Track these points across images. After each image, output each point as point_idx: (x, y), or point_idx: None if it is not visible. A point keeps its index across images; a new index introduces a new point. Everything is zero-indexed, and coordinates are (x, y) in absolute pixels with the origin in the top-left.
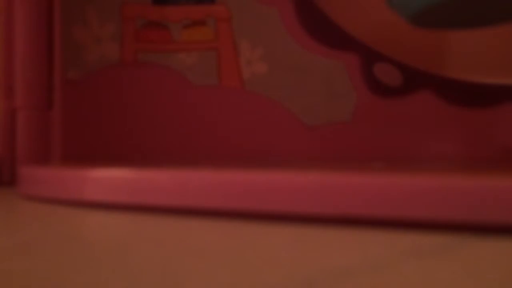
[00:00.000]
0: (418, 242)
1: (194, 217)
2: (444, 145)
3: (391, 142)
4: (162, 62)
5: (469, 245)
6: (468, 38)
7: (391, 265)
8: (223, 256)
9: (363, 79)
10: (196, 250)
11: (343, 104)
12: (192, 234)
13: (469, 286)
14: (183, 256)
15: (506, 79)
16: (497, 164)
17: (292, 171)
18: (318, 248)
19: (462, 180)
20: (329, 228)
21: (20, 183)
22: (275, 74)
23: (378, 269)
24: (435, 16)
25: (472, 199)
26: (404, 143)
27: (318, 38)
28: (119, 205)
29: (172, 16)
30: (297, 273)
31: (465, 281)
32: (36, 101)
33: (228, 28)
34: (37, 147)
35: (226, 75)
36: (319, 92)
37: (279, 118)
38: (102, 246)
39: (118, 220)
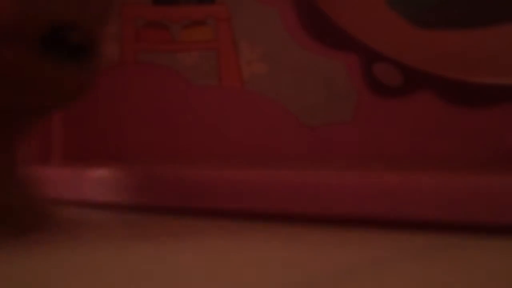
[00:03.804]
0: (417, 242)
1: (194, 217)
2: (444, 145)
3: (391, 142)
4: (162, 62)
5: (469, 245)
6: (468, 38)
7: (391, 265)
8: (223, 256)
9: (363, 79)
10: (196, 250)
11: (343, 104)
12: (192, 234)
13: (467, 285)
14: (182, 256)
15: (506, 79)
16: (497, 164)
17: (292, 171)
18: (318, 248)
19: (462, 180)
20: (329, 228)
21: None
22: (275, 74)
23: (378, 268)
24: (435, 16)
25: (471, 199)
26: (404, 143)
27: (318, 38)
28: (119, 205)
29: (172, 16)
30: (297, 273)
31: (464, 281)
32: None
33: (228, 28)
34: (37, 147)
35: (226, 75)
36: (319, 92)
37: (279, 118)
38: (102, 245)
39: (118, 220)
